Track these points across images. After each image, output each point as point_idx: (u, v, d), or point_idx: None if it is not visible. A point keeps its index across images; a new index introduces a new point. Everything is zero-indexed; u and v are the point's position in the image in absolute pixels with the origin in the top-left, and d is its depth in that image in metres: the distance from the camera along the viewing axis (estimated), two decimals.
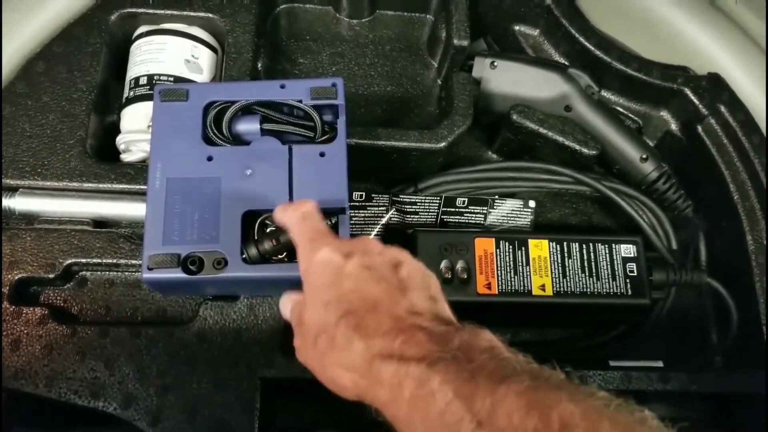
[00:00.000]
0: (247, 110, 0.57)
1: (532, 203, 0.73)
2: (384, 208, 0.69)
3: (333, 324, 0.40)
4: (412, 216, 0.70)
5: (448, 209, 0.71)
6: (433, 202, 0.70)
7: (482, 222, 0.72)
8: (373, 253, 0.44)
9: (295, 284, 0.56)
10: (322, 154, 0.55)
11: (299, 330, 0.45)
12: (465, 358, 0.35)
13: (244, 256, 0.51)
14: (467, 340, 0.37)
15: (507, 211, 0.72)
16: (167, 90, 0.56)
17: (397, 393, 0.36)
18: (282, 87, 0.57)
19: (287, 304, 0.49)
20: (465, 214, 0.71)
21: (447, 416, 0.33)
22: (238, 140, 0.56)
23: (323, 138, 0.57)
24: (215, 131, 0.55)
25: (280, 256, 0.52)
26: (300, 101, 0.56)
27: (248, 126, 0.56)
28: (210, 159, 0.54)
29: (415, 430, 0.35)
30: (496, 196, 0.72)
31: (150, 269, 0.50)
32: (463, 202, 0.71)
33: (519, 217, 0.73)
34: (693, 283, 0.68)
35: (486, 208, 0.72)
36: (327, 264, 0.43)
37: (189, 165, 0.54)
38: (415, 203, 0.70)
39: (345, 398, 0.41)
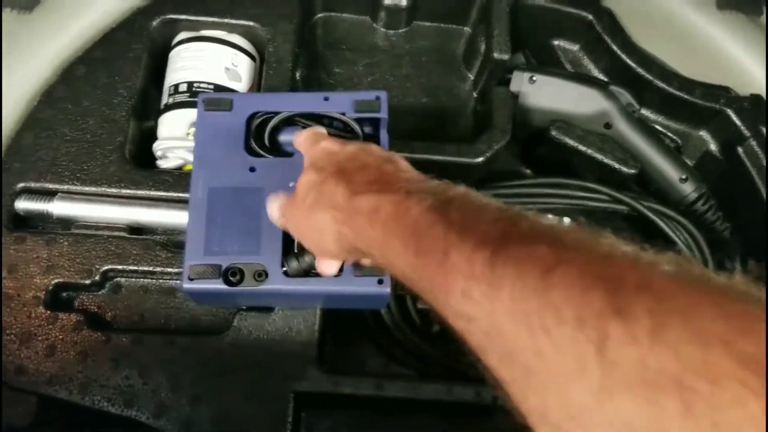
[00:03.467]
0: (289, 122, 0.56)
1: (566, 220, 0.72)
2: None
3: (323, 180, 0.43)
4: None
5: None
6: None
7: None
8: (372, 145, 0.47)
9: (334, 299, 0.56)
10: None
11: (290, 202, 0.48)
12: (442, 192, 0.36)
13: (284, 269, 0.50)
14: (444, 183, 0.38)
15: None
16: (211, 99, 0.56)
17: (374, 217, 0.38)
18: (326, 99, 0.56)
19: (274, 203, 0.49)
20: None
21: (420, 224, 0.34)
22: (280, 151, 0.56)
23: None
24: (257, 142, 0.55)
25: None
26: (343, 113, 0.56)
27: (289, 137, 0.56)
28: (252, 170, 0.54)
29: (389, 244, 0.37)
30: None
31: (191, 279, 0.50)
32: None
33: None
34: None
35: None
36: (327, 148, 0.47)
37: (231, 175, 0.54)
38: None
39: (328, 251, 0.44)
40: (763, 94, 0.74)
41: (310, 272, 0.51)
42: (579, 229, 0.30)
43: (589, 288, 0.25)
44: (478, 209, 0.33)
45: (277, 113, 0.56)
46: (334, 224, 0.41)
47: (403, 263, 0.36)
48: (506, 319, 0.28)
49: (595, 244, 0.28)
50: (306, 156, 0.49)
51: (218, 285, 0.50)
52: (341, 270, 0.51)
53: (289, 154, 0.55)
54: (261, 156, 0.55)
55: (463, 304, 0.30)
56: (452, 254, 0.31)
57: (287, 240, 0.51)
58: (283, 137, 0.56)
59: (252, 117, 0.56)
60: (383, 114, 0.56)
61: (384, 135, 0.57)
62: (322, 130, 0.53)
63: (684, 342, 0.22)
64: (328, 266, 0.49)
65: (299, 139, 0.52)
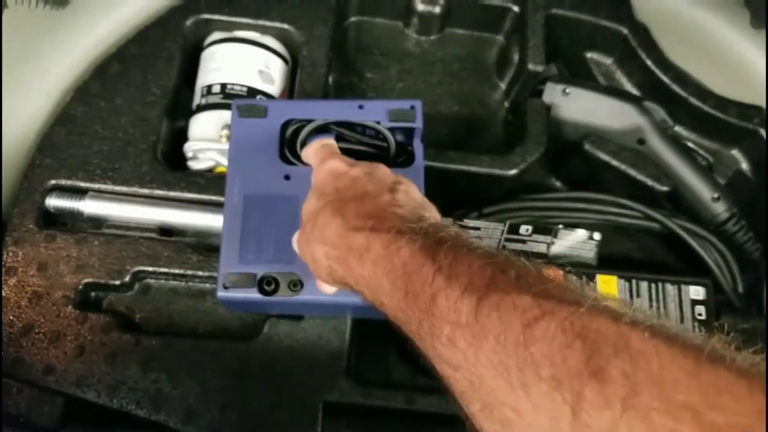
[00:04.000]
0: (322, 129, 0.56)
1: (597, 235, 0.71)
2: None
3: (320, 208, 0.43)
4: None
5: (512, 236, 0.70)
6: (497, 229, 0.69)
7: (545, 252, 0.71)
8: (380, 168, 0.47)
9: (366, 309, 0.55)
10: None
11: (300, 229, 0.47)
12: (433, 233, 0.36)
13: None
14: (437, 224, 0.38)
15: (571, 242, 0.71)
16: (246, 106, 0.55)
17: (364, 256, 0.38)
18: (360, 107, 0.56)
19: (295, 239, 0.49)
20: (528, 243, 0.70)
21: (409, 265, 0.35)
22: None
23: (397, 160, 0.56)
24: (291, 150, 0.54)
25: None
26: (378, 122, 0.55)
27: None
28: (287, 178, 0.53)
29: (378, 284, 0.37)
30: (561, 226, 0.71)
31: (226, 288, 0.50)
32: (527, 230, 0.70)
33: (583, 249, 0.71)
34: (758, 331, 0.66)
35: (550, 238, 0.70)
36: (332, 169, 0.47)
37: (266, 183, 0.53)
38: (479, 228, 0.69)
39: (323, 280, 0.44)
40: None
41: None
42: (566, 279, 0.31)
43: (569, 345, 0.26)
44: (468, 253, 0.33)
45: (311, 121, 0.55)
46: (326, 260, 0.41)
47: (392, 304, 0.36)
48: (488, 371, 0.28)
49: (580, 297, 0.28)
50: (313, 174, 0.49)
51: (253, 294, 0.50)
52: None
53: None
54: (295, 164, 0.54)
55: (448, 350, 0.31)
56: (439, 299, 0.32)
57: None
58: None
59: (287, 124, 0.55)
60: (418, 123, 0.55)
61: (418, 144, 0.56)
62: (332, 142, 0.52)
63: (655, 410, 0.23)
64: (325, 287, 0.48)
65: (308, 152, 0.52)
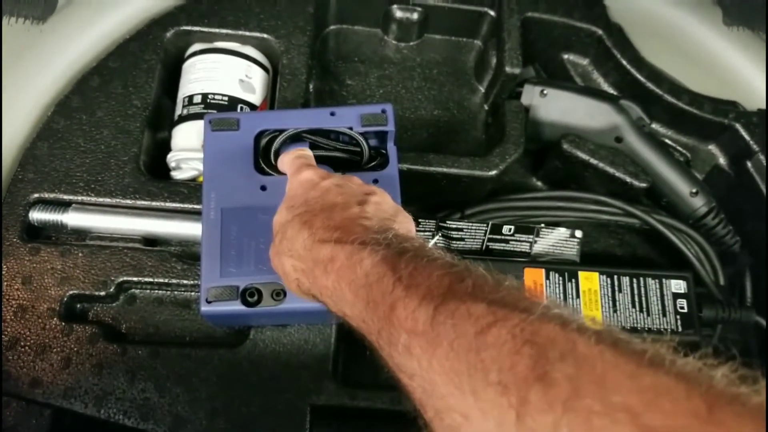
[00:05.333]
0: (296, 138, 0.56)
1: (578, 233, 0.72)
2: (430, 234, 0.69)
3: (289, 220, 0.44)
4: (457, 242, 0.70)
5: (495, 236, 0.70)
6: (479, 229, 0.70)
7: (528, 251, 0.71)
8: (352, 180, 0.48)
9: None
10: (375, 181, 0.55)
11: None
12: (396, 243, 0.37)
13: None
14: (401, 235, 0.39)
15: (554, 240, 0.72)
16: (218, 119, 0.56)
17: (329, 267, 0.39)
18: (332, 114, 0.56)
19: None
20: (511, 242, 0.71)
21: (370, 276, 0.35)
22: None
23: (372, 164, 0.56)
24: (266, 160, 0.55)
25: None
26: (350, 128, 0.56)
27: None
28: (264, 188, 0.54)
29: (341, 294, 0.38)
30: (543, 225, 0.72)
31: (209, 302, 0.50)
32: (510, 229, 0.70)
33: (565, 247, 0.72)
34: (741, 321, 0.67)
35: (532, 237, 0.71)
36: (305, 181, 0.47)
37: (243, 195, 0.53)
38: (461, 229, 0.70)
39: (293, 291, 0.45)
40: None
41: None
42: (520, 287, 0.32)
43: (518, 351, 0.27)
44: (428, 263, 0.34)
45: (284, 130, 0.56)
46: (294, 272, 0.43)
47: (354, 314, 0.37)
48: (440, 377, 0.29)
49: (532, 304, 0.29)
50: (287, 185, 0.50)
51: (237, 306, 0.50)
52: None
53: None
54: (271, 174, 0.55)
55: (405, 358, 0.32)
56: (398, 308, 0.33)
57: None
58: None
59: (260, 135, 0.56)
60: (390, 127, 0.56)
61: (391, 147, 0.57)
62: (308, 152, 0.53)
63: (595, 413, 0.23)
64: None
65: (283, 162, 0.53)
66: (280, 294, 0.50)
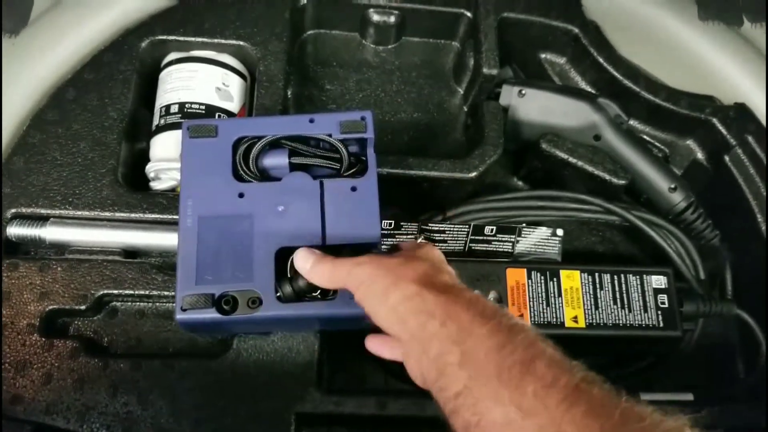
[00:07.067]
0: (275, 144, 0.56)
1: (560, 231, 0.73)
2: (413, 236, 0.69)
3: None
4: (440, 244, 0.70)
5: (477, 237, 0.71)
6: (461, 231, 0.70)
7: (510, 250, 0.72)
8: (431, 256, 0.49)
9: (330, 322, 0.56)
10: (353, 189, 0.54)
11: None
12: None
13: (278, 294, 0.50)
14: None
15: (535, 239, 0.72)
16: (196, 126, 0.55)
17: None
18: (311, 121, 0.56)
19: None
20: (493, 243, 0.71)
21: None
22: (268, 176, 0.55)
23: (352, 170, 0.56)
24: (244, 167, 0.55)
25: (314, 294, 0.51)
26: (329, 135, 0.56)
27: (276, 160, 0.55)
28: (241, 196, 0.53)
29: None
30: (524, 225, 0.72)
31: (184, 310, 0.49)
32: (492, 230, 0.71)
33: (547, 246, 0.72)
34: (722, 315, 0.68)
35: (514, 237, 0.71)
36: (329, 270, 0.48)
37: (220, 202, 0.53)
38: (443, 231, 0.70)
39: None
40: (747, 103, 0.76)
41: (304, 296, 0.51)
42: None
43: None
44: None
45: (262, 137, 0.55)
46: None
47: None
48: None
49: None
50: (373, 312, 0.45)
51: (211, 314, 0.49)
52: (335, 293, 0.51)
53: (277, 178, 0.54)
54: (249, 181, 0.54)
55: None
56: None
57: (280, 264, 0.51)
58: (270, 161, 0.55)
59: (238, 142, 0.56)
60: (369, 134, 0.55)
61: (371, 154, 0.56)
62: (304, 252, 0.50)
63: None
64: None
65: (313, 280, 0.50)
66: (255, 302, 0.50)
